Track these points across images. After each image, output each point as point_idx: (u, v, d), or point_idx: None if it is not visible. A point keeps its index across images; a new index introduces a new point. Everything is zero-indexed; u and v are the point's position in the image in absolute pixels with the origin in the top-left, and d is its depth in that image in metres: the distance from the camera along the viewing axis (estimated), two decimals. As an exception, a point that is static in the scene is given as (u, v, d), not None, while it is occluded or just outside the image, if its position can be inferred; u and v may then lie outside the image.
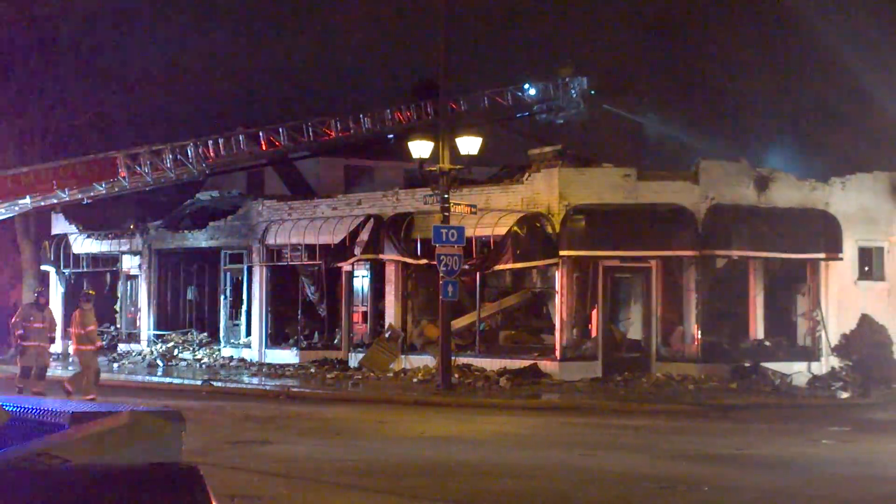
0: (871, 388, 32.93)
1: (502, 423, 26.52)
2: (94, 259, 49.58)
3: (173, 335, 45.78)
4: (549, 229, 35.66)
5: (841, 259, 36.99)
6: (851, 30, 46.85)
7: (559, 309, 35.71)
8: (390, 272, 39.71)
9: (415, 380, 35.92)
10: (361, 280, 41.50)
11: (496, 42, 71.81)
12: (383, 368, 37.99)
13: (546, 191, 36.10)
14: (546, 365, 35.38)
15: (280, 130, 42.46)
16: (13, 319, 31.67)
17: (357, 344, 40.62)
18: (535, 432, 25.17)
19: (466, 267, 34.65)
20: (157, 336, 46.18)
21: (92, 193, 41.15)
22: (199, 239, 45.75)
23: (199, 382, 36.30)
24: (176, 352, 44.25)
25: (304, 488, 17.00)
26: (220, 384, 35.96)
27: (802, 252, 36.72)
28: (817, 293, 37.11)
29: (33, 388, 29.32)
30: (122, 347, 46.58)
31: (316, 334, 42.55)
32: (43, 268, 49.92)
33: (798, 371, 35.13)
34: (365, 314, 41.35)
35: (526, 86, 45.63)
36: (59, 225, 49.73)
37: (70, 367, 38.31)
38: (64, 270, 49.60)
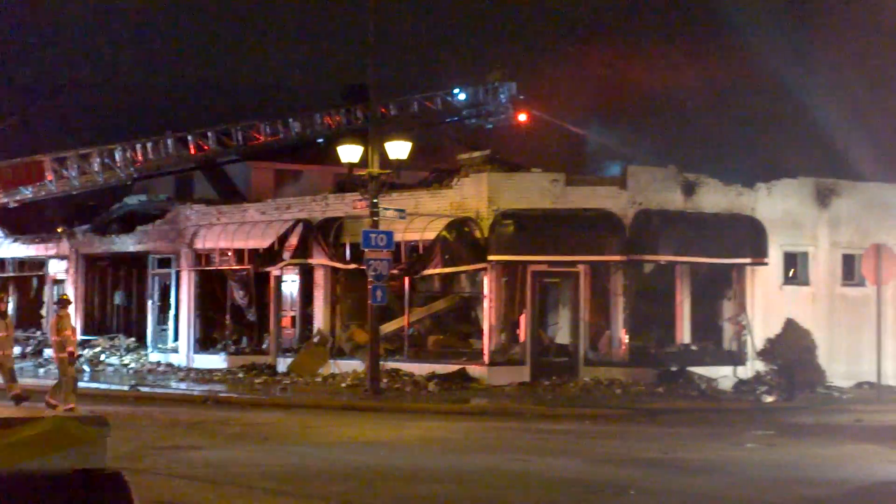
0: (796, 392, 33.24)
1: (431, 428, 26.54)
2: (21, 263, 49.18)
3: (100, 340, 45.42)
4: (478, 234, 35.73)
5: (766, 264, 37.29)
6: (779, 36, 47.27)
7: (488, 314, 35.80)
8: (319, 277, 39.65)
9: (343, 385, 35.86)
10: (290, 285, 41.39)
11: (426, 47, 71.88)
12: (312, 373, 37.91)
13: (475, 195, 36.18)
14: (474, 369, 35.46)
15: (209, 134, 42.37)
16: None
17: (286, 349, 40.50)
18: (464, 437, 25.20)
19: (395, 272, 34.67)
20: (84, 341, 45.77)
21: (18, 197, 40.86)
22: (127, 243, 45.45)
23: (126, 388, 36.06)
24: (103, 357, 43.92)
25: (231, 494, 16.93)
26: (147, 389, 35.74)
27: (729, 257, 36.98)
28: (743, 298, 37.39)
29: (12, 393, 28.71)
30: (48, 352, 46.14)
31: (244, 339, 42.37)
32: (-32, 273, 49.44)
33: (724, 375, 35.42)
34: (294, 319, 41.26)
35: (456, 91, 45.76)
36: (-15, 229, 49.25)
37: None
38: (-12, 275, 49.14)
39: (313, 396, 33.81)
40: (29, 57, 49.86)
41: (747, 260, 37.05)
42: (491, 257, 35.45)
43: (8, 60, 49.33)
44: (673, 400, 32.67)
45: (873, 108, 43.52)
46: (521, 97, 45.91)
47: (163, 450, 21.59)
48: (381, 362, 34.31)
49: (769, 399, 33.05)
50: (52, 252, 47.87)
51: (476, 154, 39.45)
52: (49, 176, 40.40)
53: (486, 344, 35.73)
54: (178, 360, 42.71)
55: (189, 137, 42.04)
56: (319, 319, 39.52)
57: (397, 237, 34.24)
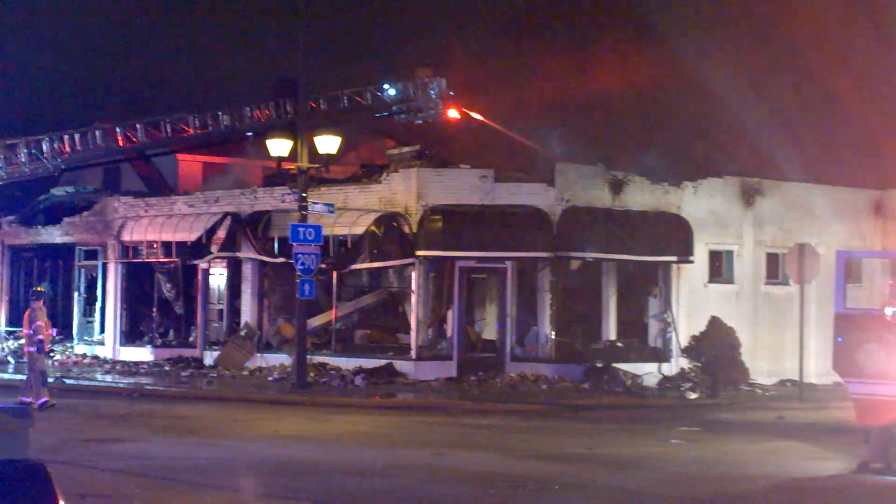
0: (719, 388, 33.59)
1: (357, 422, 26.60)
2: (-55, 254, 48.67)
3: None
4: (407, 229, 35.81)
5: (692, 262, 37.59)
6: (706, 35, 47.62)
7: (415, 309, 35.88)
8: (247, 270, 39.58)
9: (270, 378, 35.83)
10: (218, 278, 41.28)
11: (356, 42, 71.77)
12: (239, 367, 37.85)
13: (404, 191, 36.25)
14: (401, 364, 35.54)
15: (137, 126, 42.04)
16: None
17: (213, 342, 40.39)
18: (390, 431, 25.29)
19: (323, 266, 34.65)
20: (10, 332, 45.43)
21: (-58, 187, 40.41)
22: (54, 235, 45.15)
23: (51, 379, 35.78)
24: (28, 348, 43.51)
25: (156, 487, 16.92)
26: (72, 381, 35.54)
27: (655, 255, 37.24)
28: (669, 295, 37.66)
29: None
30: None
31: (171, 332, 42.21)
32: None
33: (649, 372, 35.67)
34: (221, 312, 41.18)
35: (385, 86, 45.59)
36: None
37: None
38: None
39: (240, 390, 33.77)
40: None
41: (673, 258, 37.32)
42: (419, 252, 35.53)
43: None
44: (598, 396, 32.90)
45: (797, 109, 43.90)
46: (452, 93, 45.86)
47: (87, 442, 21.53)
48: (309, 356, 34.35)
49: (693, 396, 33.37)
50: (-24, 243, 47.45)
51: (406, 149, 39.53)
52: (-26, 166, 40.04)
53: (414, 339, 35.81)
54: (105, 352, 42.48)
55: (117, 129, 41.72)
56: (247, 313, 39.45)
57: (326, 231, 34.23)
